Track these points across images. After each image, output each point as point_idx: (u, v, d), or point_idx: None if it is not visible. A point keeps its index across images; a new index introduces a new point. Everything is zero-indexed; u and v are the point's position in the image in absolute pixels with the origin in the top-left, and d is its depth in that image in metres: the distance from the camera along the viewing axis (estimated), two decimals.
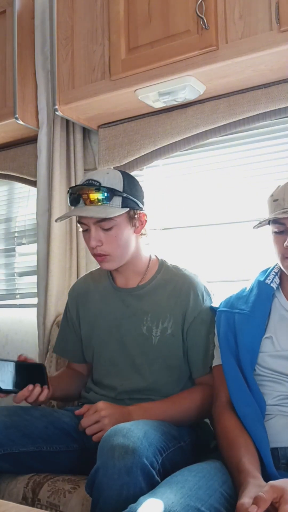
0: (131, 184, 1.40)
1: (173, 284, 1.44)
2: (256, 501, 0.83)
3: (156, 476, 1.02)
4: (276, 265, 1.30)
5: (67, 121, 2.07)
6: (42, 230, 2.11)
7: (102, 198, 1.33)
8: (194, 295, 1.41)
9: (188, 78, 1.62)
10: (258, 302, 1.25)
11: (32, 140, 2.22)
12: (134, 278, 1.48)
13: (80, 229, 1.42)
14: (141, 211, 1.41)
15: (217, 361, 1.29)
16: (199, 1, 1.53)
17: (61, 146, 2.06)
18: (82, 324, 1.56)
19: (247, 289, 1.31)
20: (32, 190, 2.33)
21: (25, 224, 2.44)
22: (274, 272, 1.29)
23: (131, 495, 0.94)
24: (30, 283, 2.40)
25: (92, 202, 1.33)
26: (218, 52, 1.53)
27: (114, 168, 2.02)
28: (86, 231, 1.39)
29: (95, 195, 1.33)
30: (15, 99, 2.02)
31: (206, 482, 0.95)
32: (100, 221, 1.35)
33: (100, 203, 1.33)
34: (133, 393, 1.40)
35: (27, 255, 2.43)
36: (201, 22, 1.53)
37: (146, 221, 1.43)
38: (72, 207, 1.40)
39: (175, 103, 1.79)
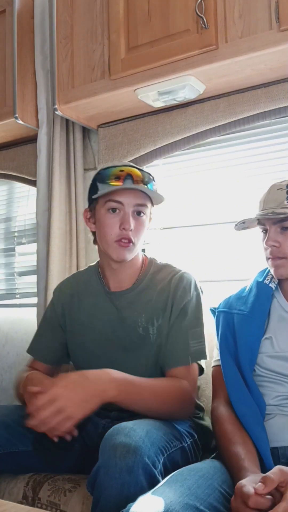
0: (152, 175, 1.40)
1: (162, 280, 1.39)
2: (263, 479, 0.84)
3: (157, 476, 1.01)
4: None
5: (67, 120, 2.07)
6: (42, 229, 2.11)
7: (151, 182, 1.33)
8: (181, 288, 1.36)
9: (188, 77, 1.62)
10: (257, 302, 1.25)
11: (32, 139, 2.22)
12: (128, 279, 1.42)
13: (105, 209, 1.33)
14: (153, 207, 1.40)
15: (216, 361, 1.29)
16: (199, 1, 1.53)
17: (60, 145, 2.06)
18: (69, 329, 1.49)
19: (246, 289, 1.32)
20: (32, 189, 2.33)
21: (25, 224, 2.44)
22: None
23: (132, 494, 0.94)
24: (30, 282, 2.40)
25: (143, 183, 1.31)
26: (217, 51, 1.53)
27: None
28: (114, 212, 1.33)
29: (144, 177, 1.32)
30: (14, 99, 2.02)
31: (205, 481, 0.95)
32: (141, 205, 1.33)
33: (150, 185, 1.32)
34: None
35: (27, 255, 2.44)
36: (201, 22, 1.53)
37: (152, 218, 1.42)
38: (116, 184, 1.31)
39: (175, 102, 1.79)
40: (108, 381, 1.13)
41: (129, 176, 1.30)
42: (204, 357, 1.33)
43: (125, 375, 1.18)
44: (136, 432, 1.04)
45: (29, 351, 1.53)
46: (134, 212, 1.32)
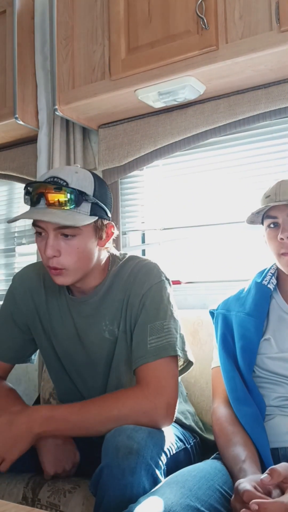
0: (102, 189, 1.22)
1: (123, 276, 1.28)
2: (270, 471, 0.84)
3: (160, 477, 1.01)
4: (272, 265, 1.30)
5: (67, 121, 2.07)
6: None
7: (70, 202, 1.13)
8: (138, 280, 1.25)
9: (188, 78, 1.62)
10: (256, 303, 1.24)
11: (32, 140, 2.22)
12: (91, 285, 1.29)
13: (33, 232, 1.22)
14: (109, 222, 1.24)
15: (215, 362, 1.29)
16: (199, 1, 1.53)
17: (61, 146, 2.06)
18: (34, 329, 1.38)
19: (245, 290, 1.31)
20: None
21: (25, 224, 2.44)
22: (271, 273, 1.29)
23: (135, 496, 0.94)
24: None
25: (56, 205, 1.13)
26: (218, 52, 1.53)
27: (114, 168, 2.02)
28: (41, 236, 1.18)
29: (61, 197, 1.13)
30: (15, 99, 2.02)
31: (206, 482, 0.95)
32: (62, 227, 1.14)
33: (66, 207, 1.13)
34: None
35: (27, 255, 2.43)
36: (201, 22, 1.53)
37: (112, 233, 1.26)
38: (29, 207, 1.18)
39: (175, 103, 1.79)
40: (33, 419, 1.10)
41: (40, 198, 1.14)
42: (170, 353, 1.16)
43: (57, 409, 1.14)
44: (138, 433, 1.04)
45: None
46: (59, 234, 1.16)
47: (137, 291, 1.24)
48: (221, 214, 1.89)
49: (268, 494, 0.86)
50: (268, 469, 0.85)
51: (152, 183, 2.07)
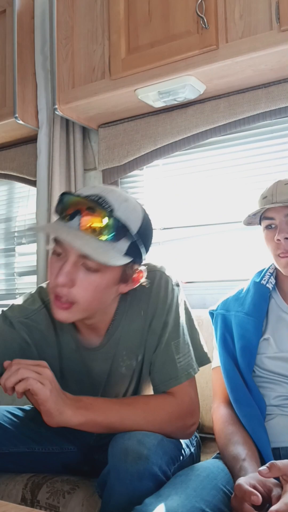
0: (147, 229, 1.05)
1: (139, 301, 1.13)
2: (270, 465, 0.83)
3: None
4: (271, 265, 1.30)
5: (67, 120, 2.06)
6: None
7: (108, 234, 0.96)
8: (162, 300, 1.12)
9: (188, 77, 1.62)
10: (255, 303, 1.24)
11: (32, 140, 2.22)
12: (104, 325, 1.14)
13: (48, 248, 1.10)
14: (140, 266, 1.06)
15: (215, 362, 1.29)
16: (199, 1, 1.53)
17: (61, 145, 2.06)
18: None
19: (244, 290, 1.31)
20: (32, 189, 2.33)
21: (25, 224, 2.44)
22: (269, 272, 1.28)
23: (142, 501, 0.92)
24: (30, 283, 2.40)
25: (91, 231, 0.96)
26: (218, 51, 1.53)
27: (114, 167, 2.02)
28: (58, 257, 1.01)
29: (101, 225, 0.96)
30: (15, 99, 2.02)
31: (210, 482, 0.95)
32: (88, 258, 0.97)
33: (102, 238, 0.96)
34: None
35: (26, 255, 2.43)
36: (201, 22, 1.53)
37: (139, 280, 1.07)
38: (59, 220, 1.02)
39: (175, 102, 1.78)
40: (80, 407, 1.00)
41: (77, 214, 0.97)
42: (196, 371, 1.12)
43: (96, 401, 1.04)
44: (150, 438, 1.01)
45: None
46: (80, 263, 0.99)
47: (159, 313, 1.11)
48: (221, 213, 1.89)
49: (269, 492, 0.85)
50: (268, 463, 0.84)
51: (152, 183, 2.07)
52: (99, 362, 1.17)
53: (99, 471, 1.02)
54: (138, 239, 1.01)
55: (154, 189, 2.05)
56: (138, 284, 1.07)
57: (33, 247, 2.30)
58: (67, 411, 0.98)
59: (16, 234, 2.49)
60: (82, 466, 1.27)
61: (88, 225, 0.96)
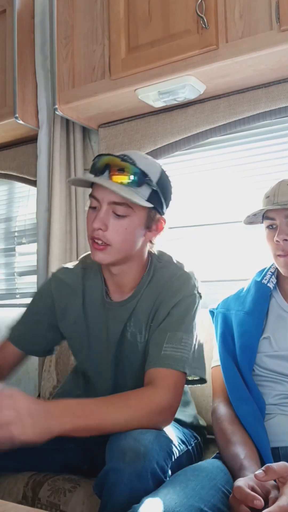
0: (166, 182, 1.22)
1: (157, 283, 1.26)
2: (266, 468, 0.83)
3: (165, 481, 1.00)
4: (272, 264, 1.30)
5: (67, 120, 2.07)
6: (42, 229, 2.11)
7: (132, 179, 1.13)
8: (174, 289, 1.24)
9: (188, 77, 1.62)
10: (255, 302, 1.24)
11: (32, 139, 2.22)
12: (129, 284, 1.28)
13: (87, 207, 1.23)
14: (162, 216, 1.23)
15: (215, 361, 1.29)
16: (199, 1, 1.53)
17: (61, 145, 2.06)
18: (64, 329, 1.37)
19: (244, 289, 1.31)
20: (32, 189, 2.33)
21: (25, 224, 2.44)
22: (271, 272, 1.29)
23: (141, 500, 0.92)
24: (30, 282, 2.40)
25: (118, 179, 1.13)
26: (218, 51, 1.53)
27: None
28: (94, 209, 1.18)
29: (125, 172, 1.13)
30: (15, 99, 2.02)
31: (209, 482, 0.95)
32: (117, 203, 1.14)
33: (127, 183, 1.13)
34: None
35: (27, 255, 2.43)
36: (201, 22, 1.53)
37: (162, 229, 1.24)
38: (92, 176, 1.18)
39: (175, 102, 1.79)
40: (66, 413, 1.02)
41: (107, 167, 1.15)
42: (179, 368, 1.14)
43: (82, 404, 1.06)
44: (145, 436, 1.02)
45: (8, 333, 1.42)
46: (111, 211, 1.16)
47: (168, 300, 1.22)
48: (221, 213, 1.89)
49: (267, 494, 0.85)
50: (264, 466, 0.85)
51: None
52: (115, 321, 1.28)
53: (99, 470, 1.02)
54: (158, 188, 1.17)
55: None
56: (162, 232, 1.24)
57: (33, 247, 2.30)
58: (51, 425, 0.99)
59: (16, 234, 2.50)
60: (83, 464, 1.27)
61: (115, 174, 1.13)
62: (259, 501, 0.81)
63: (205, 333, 1.62)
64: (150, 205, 1.17)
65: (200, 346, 1.24)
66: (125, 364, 1.30)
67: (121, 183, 1.13)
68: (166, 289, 1.24)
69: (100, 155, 1.18)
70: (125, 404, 1.08)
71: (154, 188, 1.17)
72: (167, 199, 1.23)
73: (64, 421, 1.00)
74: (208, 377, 1.24)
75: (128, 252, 1.20)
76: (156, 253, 1.33)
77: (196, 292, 1.26)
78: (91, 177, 1.17)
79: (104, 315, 1.31)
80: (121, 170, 1.13)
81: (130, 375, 1.28)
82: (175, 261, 1.32)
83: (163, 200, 1.20)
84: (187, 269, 1.29)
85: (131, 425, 1.05)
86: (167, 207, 1.24)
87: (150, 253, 1.32)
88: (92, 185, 1.21)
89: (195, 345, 1.20)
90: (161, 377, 1.13)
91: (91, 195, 1.19)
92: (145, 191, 1.16)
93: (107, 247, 1.17)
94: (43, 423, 0.98)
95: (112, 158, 1.15)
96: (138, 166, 1.14)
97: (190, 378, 1.22)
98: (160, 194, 1.18)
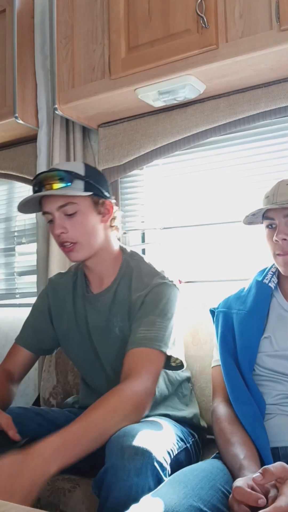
0: (93, 171, 1.37)
1: (130, 276, 1.37)
2: (263, 471, 0.83)
3: (165, 478, 1.01)
4: (273, 264, 1.30)
5: (67, 120, 2.06)
6: (42, 229, 2.11)
7: (62, 181, 1.28)
8: (143, 281, 1.34)
9: (188, 77, 1.62)
10: (256, 302, 1.24)
11: (32, 139, 2.22)
12: (108, 275, 1.40)
13: (47, 222, 1.35)
14: (106, 199, 1.36)
15: (216, 361, 1.29)
16: (199, 0, 1.53)
17: (60, 145, 2.06)
18: (57, 329, 1.49)
19: (245, 289, 1.31)
20: None
21: (24, 224, 2.44)
22: (272, 271, 1.29)
23: (140, 497, 0.93)
24: (29, 282, 2.40)
25: (51, 186, 1.28)
26: (218, 51, 1.53)
27: (114, 167, 2.02)
28: (51, 222, 1.32)
29: (54, 178, 1.28)
30: (14, 99, 2.02)
31: (208, 482, 0.95)
32: (63, 205, 1.29)
33: (59, 186, 1.28)
34: None
35: (26, 255, 2.43)
36: (201, 21, 1.53)
37: (112, 209, 1.37)
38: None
39: (175, 102, 1.79)
40: (47, 457, 0.97)
41: (39, 183, 1.30)
42: (154, 346, 1.20)
43: (64, 435, 1.02)
44: (144, 433, 1.04)
45: (17, 339, 1.50)
46: (63, 214, 1.30)
47: (139, 292, 1.32)
48: (221, 213, 1.89)
49: (266, 493, 0.85)
50: (261, 469, 0.85)
51: (152, 183, 2.07)
52: (95, 312, 1.39)
53: (99, 470, 1.02)
54: (88, 178, 1.32)
55: (154, 189, 2.05)
56: (113, 214, 1.37)
57: (33, 246, 2.30)
58: (34, 481, 0.93)
59: (16, 234, 2.49)
60: (83, 464, 1.27)
61: (47, 184, 1.28)
62: (263, 500, 0.82)
63: (205, 333, 1.63)
64: (88, 193, 1.31)
65: (181, 334, 1.32)
66: (110, 356, 1.35)
67: (57, 188, 1.28)
68: (136, 283, 1.34)
69: (35, 177, 1.33)
70: (105, 412, 1.08)
71: (85, 179, 1.31)
72: (102, 184, 1.36)
73: (46, 469, 0.95)
74: (207, 377, 1.24)
75: (95, 241, 1.34)
76: (128, 250, 1.45)
77: (167, 281, 1.33)
78: (31, 196, 1.31)
79: (84, 308, 1.42)
80: (51, 179, 1.28)
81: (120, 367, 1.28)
82: (146, 261, 1.42)
83: (98, 186, 1.33)
84: (156, 267, 1.39)
85: (122, 425, 1.07)
86: (108, 192, 1.38)
87: (122, 248, 1.44)
88: (40, 208, 1.35)
89: (172, 330, 1.26)
90: (134, 357, 1.19)
91: (42, 213, 1.34)
92: (78, 184, 1.30)
93: (75, 245, 1.31)
94: (26, 484, 0.91)
95: (41, 176, 1.30)
96: (62, 169, 1.30)
97: (173, 364, 1.28)
98: (92, 182, 1.32)
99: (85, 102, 1.85)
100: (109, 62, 1.76)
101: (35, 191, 1.32)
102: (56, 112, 1.91)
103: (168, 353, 1.23)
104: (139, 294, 1.32)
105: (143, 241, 2.14)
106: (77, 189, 1.30)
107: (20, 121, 2.04)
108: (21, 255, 2.48)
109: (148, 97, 1.76)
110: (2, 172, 2.38)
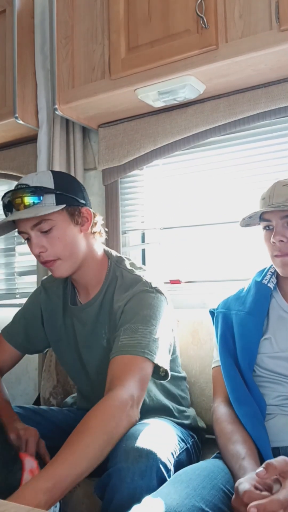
0: (63, 180, 1.28)
1: (115, 285, 1.33)
2: (266, 465, 0.83)
3: (168, 479, 1.00)
4: (272, 265, 1.30)
5: (67, 120, 2.07)
6: None
7: (32, 198, 1.21)
8: (124, 289, 1.29)
9: (188, 77, 1.62)
10: (256, 302, 1.24)
11: (32, 139, 2.22)
12: (94, 285, 1.35)
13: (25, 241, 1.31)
14: (83, 207, 1.29)
15: (216, 362, 1.29)
16: (199, 1, 1.53)
17: (61, 145, 2.06)
18: (48, 334, 1.47)
19: (244, 289, 1.31)
20: None
21: None
22: (271, 272, 1.29)
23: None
24: (30, 282, 2.40)
25: (24, 206, 1.21)
26: (218, 51, 1.53)
27: (114, 167, 2.03)
28: (29, 241, 1.27)
29: (24, 197, 1.21)
30: (15, 99, 2.02)
31: (210, 482, 0.95)
32: (37, 224, 1.23)
33: (30, 204, 1.21)
34: None
35: (27, 255, 2.43)
36: (201, 22, 1.53)
37: (91, 216, 1.31)
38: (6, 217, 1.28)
39: (175, 102, 1.79)
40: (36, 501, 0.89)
41: (11, 206, 1.24)
42: (138, 353, 1.13)
43: (52, 472, 0.93)
44: (147, 436, 1.03)
45: (2, 332, 1.49)
46: (39, 232, 1.24)
47: (121, 301, 1.27)
48: (221, 213, 1.89)
49: (269, 489, 0.85)
50: (264, 463, 0.85)
51: (152, 183, 2.07)
52: (81, 323, 1.36)
53: (100, 470, 1.02)
54: (58, 189, 1.24)
55: (154, 189, 2.05)
56: (93, 221, 1.31)
57: None
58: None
59: (16, 234, 2.49)
60: None
61: (17, 204, 1.22)
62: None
63: (205, 333, 1.63)
64: (61, 206, 1.23)
65: (167, 341, 1.23)
66: (98, 369, 1.32)
67: (27, 207, 1.21)
68: (122, 293, 1.29)
69: (3, 196, 1.27)
70: (90, 440, 0.98)
71: (55, 192, 1.23)
72: (76, 191, 1.29)
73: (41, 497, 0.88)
74: (207, 377, 1.24)
75: (77, 254, 1.28)
76: (114, 256, 1.39)
77: (148, 288, 1.27)
78: (4, 219, 1.25)
79: (71, 319, 1.39)
80: (20, 198, 1.22)
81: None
82: (129, 267, 1.36)
83: (71, 195, 1.26)
84: (138, 272, 1.33)
85: (109, 445, 1.00)
86: (83, 198, 1.31)
87: (108, 254, 1.39)
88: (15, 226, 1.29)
89: (158, 337, 1.18)
90: (118, 365, 1.12)
91: (18, 233, 1.29)
92: (49, 198, 1.23)
93: (56, 261, 1.26)
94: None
95: (10, 195, 1.24)
96: (32, 185, 1.23)
97: (162, 374, 1.19)
98: (63, 192, 1.25)
99: (85, 102, 1.85)
100: (109, 62, 1.76)
101: (5, 212, 1.27)
102: (56, 112, 1.91)
103: (155, 361, 1.14)
104: (119, 304, 1.27)
105: (143, 241, 2.14)
106: (48, 204, 1.22)
107: (20, 121, 2.04)
108: (21, 255, 2.48)
109: (148, 97, 1.76)
110: (2, 172, 2.38)
